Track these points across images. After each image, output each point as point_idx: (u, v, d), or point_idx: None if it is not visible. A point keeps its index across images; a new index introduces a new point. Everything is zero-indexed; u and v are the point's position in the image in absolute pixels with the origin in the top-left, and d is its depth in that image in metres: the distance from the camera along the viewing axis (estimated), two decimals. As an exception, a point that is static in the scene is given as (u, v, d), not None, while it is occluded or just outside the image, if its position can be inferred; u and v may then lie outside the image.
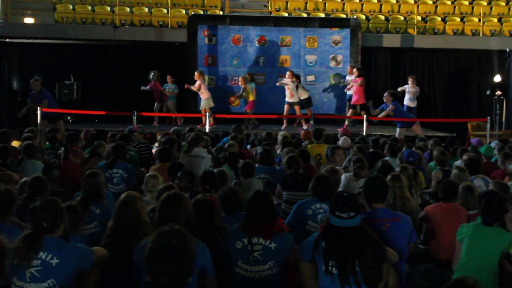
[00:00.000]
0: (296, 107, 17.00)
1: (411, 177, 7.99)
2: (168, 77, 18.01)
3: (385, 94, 14.64)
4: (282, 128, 16.71)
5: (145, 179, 7.18)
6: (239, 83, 17.18)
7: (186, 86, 17.12)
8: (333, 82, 18.79)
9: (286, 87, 16.91)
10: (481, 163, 9.22)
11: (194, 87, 16.74)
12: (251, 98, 16.88)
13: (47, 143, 12.03)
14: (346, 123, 17.01)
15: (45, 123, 14.12)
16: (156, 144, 11.23)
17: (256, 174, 8.25)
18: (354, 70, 16.95)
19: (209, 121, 15.45)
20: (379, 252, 4.67)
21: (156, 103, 17.23)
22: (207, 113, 15.60)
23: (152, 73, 17.03)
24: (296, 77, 17.03)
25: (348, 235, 4.60)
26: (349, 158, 9.30)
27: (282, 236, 5.21)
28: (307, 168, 8.94)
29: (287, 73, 17.10)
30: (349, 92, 17.33)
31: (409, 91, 17.45)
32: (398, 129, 14.61)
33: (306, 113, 16.79)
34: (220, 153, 8.86)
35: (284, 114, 17.09)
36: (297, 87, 16.90)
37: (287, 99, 16.95)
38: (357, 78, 16.65)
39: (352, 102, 16.91)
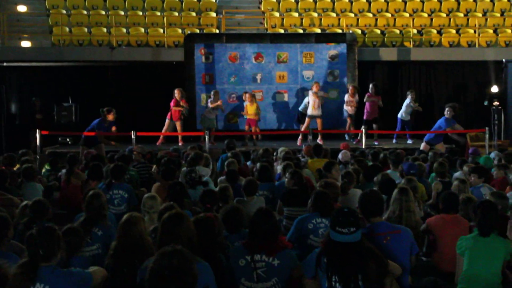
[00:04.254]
0: (319, 120, 17.02)
1: (415, 190, 7.98)
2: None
3: (448, 110, 14.92)
4: (298, 143, 16.69)
5: (143, 200, 7.11)
6: (247, 99, 17.15)
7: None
8: (331, 97, 18.81)
9: (314, 99, 16.85)
10: (489, 170, 9.24)
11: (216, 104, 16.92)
12: (256, 116, 16.89)
13: (46, 165, 12.00)
14: (358, 137, 17.00)
15: (85, 148, 14.06)
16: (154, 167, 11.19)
17: (254, 191, 8.26)
18: (371, 86, 17.07)
19: (210, 139, 15.45)
20: (382, 266, 4.67)
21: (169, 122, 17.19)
22: (207, 131, 15.59)
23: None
24: None
25: (350, 251, 4.60)
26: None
27: (285, 253, 5.20)
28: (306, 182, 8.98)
29: (314, 84, 17.12)
30: (346, 109, 17.42)
31: (409, 105, 17.45)
32: (424, 144, 14.89)
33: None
34: (192, 174, 8.87)
35: (305, 127, 17.00)
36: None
37: (311, 112, 16.91)
38: (376, 96, 16.88)
39: (366, 117, 17.02)
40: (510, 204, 7.56)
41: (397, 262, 5.15)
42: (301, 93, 18.50)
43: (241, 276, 5.14)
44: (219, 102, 16.94)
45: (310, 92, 17.11)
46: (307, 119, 17.02)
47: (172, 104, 16.84)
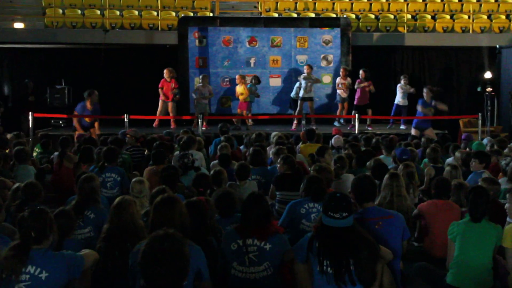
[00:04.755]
0: (310, 103, 17.09)
1: (410, 175, 7.99)
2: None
3: (425, 91, 14.93)
4: (293, 128, 16.75)
5: (131, 185, 7.10)
6: (237, 81, 17.14)
7: None
8: (324, 82, 18.80)
9: (306, 81, 16.95)
10: (490, 157, 9.23)
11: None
12: (247, 98, 16.86)
13: (36, 148, 11.98)
14: (352, 122, 17.04)
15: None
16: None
17: (247, 175, 8.27)
18: (361, 72, 17.04)
19: (202, 123, 15.45)
20: (373, 251, 4.69)
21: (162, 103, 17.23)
22: (200, 115, 15.57)
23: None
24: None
25: (341, 235, 4.61)
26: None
27: (277, 237, 5.21)
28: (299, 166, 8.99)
29: (305, 67, 17.23)
30: (339, 92, 17.43)
31: (404, 89, 17.46)
32: (413, 129, 14.98)
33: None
34: (185, 159, 8.87)
35: (298, 111, 17.06)
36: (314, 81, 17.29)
37: (303, 94, 16.97)
38: (367, 82, 16.85)
39: (356, 103, 16.99)
40: (502, 190, 7.59)
41: (389, 247, 5.16)
42: (295, 78, 18.41)
43: (233, 260, 5.16)
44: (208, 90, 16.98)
45: (301, 76, 17.17)
46: (299, 102, 17.08)
47: (160, 85, 16.91)
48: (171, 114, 17.14)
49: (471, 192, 5.82)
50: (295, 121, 17.24)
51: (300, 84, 17.10)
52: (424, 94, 14.92)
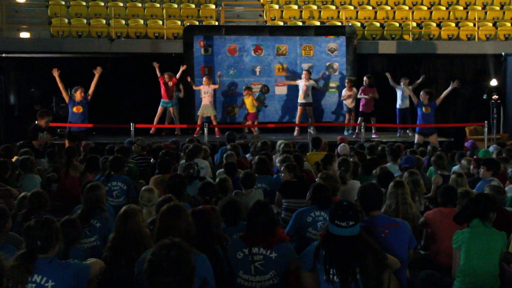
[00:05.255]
0: (309, 108, 17.12)
1: (416, 183, 7.98)
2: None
3: (422, 94, 15.01)
4: (295, 135, 16.80)
5: (140, 193, 7.10)
6: (244, 93, 17.11)
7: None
8: (330, 90, 18.81)
9: (303, 87, 17.06)
10: (499, 165, 9.20)
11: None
12: (253, 109, 16.89)
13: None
14: (356, 130, 17.09)
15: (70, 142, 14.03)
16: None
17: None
18: (365, 79, 17.06)
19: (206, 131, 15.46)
20: (380, 260, 4.68)
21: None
22: (206, 123, 15.59)
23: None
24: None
25: (348, 244, 4.60)
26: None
27: (283, 246, 5.21)
28: (305, 173, 8.99)
29: (304, 72, 17.38)
30: (346, 103, 17.49)
31: (402, 90, 17.47)
32: (417, 136, 15.07)
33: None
34: (191, 169, 8.87)
35: (298, 116, 17.22)
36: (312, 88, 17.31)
37: (300, 99, 17.17)
38: (370, 89, 16.91)
39: (362, 109, 17.02)
40: (509, 197, 7.58)
41: (395, 255, 5.15)
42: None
43: (238, 269, 5.15)
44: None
45: (299, 81, 17.31)
46: (299, 108, 17.20)
47: (161, 80, 17.06)
48: (174, 118, 17.25)
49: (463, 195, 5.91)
50: (296, 128, 17.29)
51: (297, 88, 17.26)
52: (421, 97, 14.95)
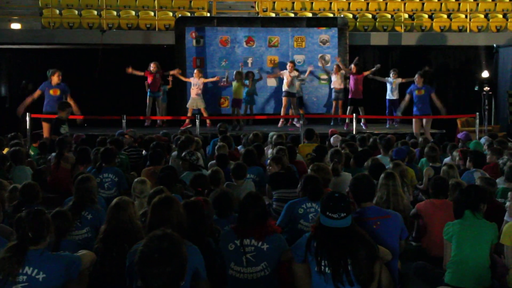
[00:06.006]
0: (293, 99, 17.22)
1: (402, 174, 8.01)
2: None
3: (417, 76, 15.25)
4: (279, 126, 16.83)
5: (133, 185, 7.09)
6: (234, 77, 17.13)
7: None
8: (322, 82, 18.81)
9: (285, 76, 17.17)
10: (485, 157, 9.30)
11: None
12: (239, 95, 16.88)
13: (31, 149, 11.96)
14: (347, 121, 17.12)
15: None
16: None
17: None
18: (352, 66, 17.10)
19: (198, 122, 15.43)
20: (371, 251, 4.68)
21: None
22: (198, 115, 15.55)
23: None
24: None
25: (339, 236, 4.60)
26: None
27: (274, 237, 5.21)
28: (296, 164, 9.01)
29: (288, 63, 17.45)
30: (333, 87, 17.61)
31: (390, 82, 17.52)
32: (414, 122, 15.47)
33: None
34: (193, 156, 8.87)
35: (283, 107, 17.28)
36: (300, 80, 17.49)
37: (284, 89, 17.25)
38: (358, 75, 16.98)
39: (351, 96, 17.06)
40: (500, 189, 7.60)
41: (387, 247, 5.16)
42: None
43: (230, 260, 5.15)
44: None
45: (284, 72, 17.40)
46: (283, 99, 17.31)
47: (146, 74, 17.06)
48: (158, 109, 17.28)
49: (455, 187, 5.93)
50: (281, 120, 17.47)
51: (283, 80, 17.37)
52: (416, 80, 15.03)
